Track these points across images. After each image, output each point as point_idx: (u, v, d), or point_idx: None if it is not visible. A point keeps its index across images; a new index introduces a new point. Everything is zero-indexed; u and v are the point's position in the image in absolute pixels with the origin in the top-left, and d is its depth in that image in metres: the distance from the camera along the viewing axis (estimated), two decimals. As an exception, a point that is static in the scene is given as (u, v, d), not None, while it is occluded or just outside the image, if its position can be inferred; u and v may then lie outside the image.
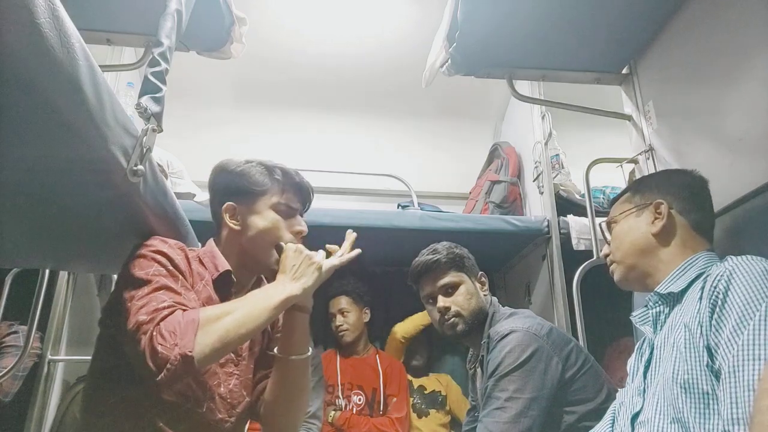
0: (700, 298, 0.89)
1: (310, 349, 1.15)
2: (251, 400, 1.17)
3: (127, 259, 1.02)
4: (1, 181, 0.89)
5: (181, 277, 1.01)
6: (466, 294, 1.53)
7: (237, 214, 1.15)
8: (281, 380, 1.14)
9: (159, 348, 0.84)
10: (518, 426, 1.25)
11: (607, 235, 1.22)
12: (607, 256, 1.19)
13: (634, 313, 1.12)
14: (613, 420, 1.10)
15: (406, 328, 2.57)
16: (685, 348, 0.88)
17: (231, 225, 1.15)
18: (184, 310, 0.91)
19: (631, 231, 1.12)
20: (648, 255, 1.08)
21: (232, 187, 1.17)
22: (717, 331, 0.83)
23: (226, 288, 1.12)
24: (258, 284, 1.26)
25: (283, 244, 1.11)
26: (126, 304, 0.92)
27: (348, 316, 2.42)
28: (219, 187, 1.19)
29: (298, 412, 1.17)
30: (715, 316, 0.84)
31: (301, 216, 1.22)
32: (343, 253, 1.16)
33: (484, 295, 1.57)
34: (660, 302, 1.03)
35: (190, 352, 0.84)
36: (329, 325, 2.47)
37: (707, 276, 0.92)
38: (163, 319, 0.87)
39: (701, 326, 0.86)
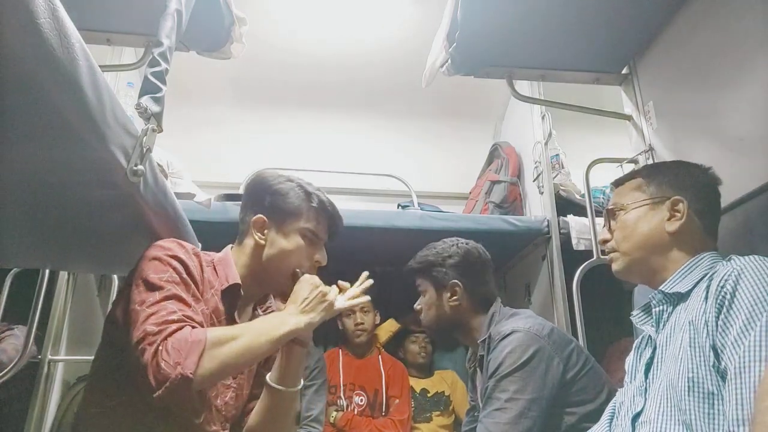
0: (706, 297, 0.88)
1: (302, 382, 1.16)
2: (239, 415, 1.17)
3: (141, 259, 1.01)
4: (1, 180, 0.89)
5: (193, 286, 1.01)
6: (427, 304, 1.58)
7: (265, 229, 1.15)
8: (269, 408, 1.14)
9: (162, 364, 0.84)
10: (518, 427, 1.25)
11: (608, 220, 1.14)
12: (605, 242, 1.13)
13: (633, 313, 1.10)
14: (611, 420, 1.08)
15: (380, 333, 2.60)
16: (690, 347, 0.86)
17: (256, 238, 1.14)
18: (193, 327, 0.91)
19: (643, 224, 1.06)
20: (658, 252, 1.04)
21: (267, 202, 1.17)
22: (723, 331, 0.82)
23: (232, 300, 1.11)
24: (264, 300, 1.26)
25: (299, 271, 1.11)
26: (135, 307, 0.92)
27: (368, 315, 2.43)
28: (254, 198, 1.19)
29: None
30: (722, 316, 0.83)
31: (325, 247, 1.21)
32: (354, 295, 1.15)
33: (452, 305, 1.55)
34: (664, 301, 1.01)
35: (191, 374, 0.84)
36: (332, 324, 2.47)
37: (713, 275, 0.91)
38: (171, 333, 0.87)
39: (707, 325, 0.84)
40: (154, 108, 0.99)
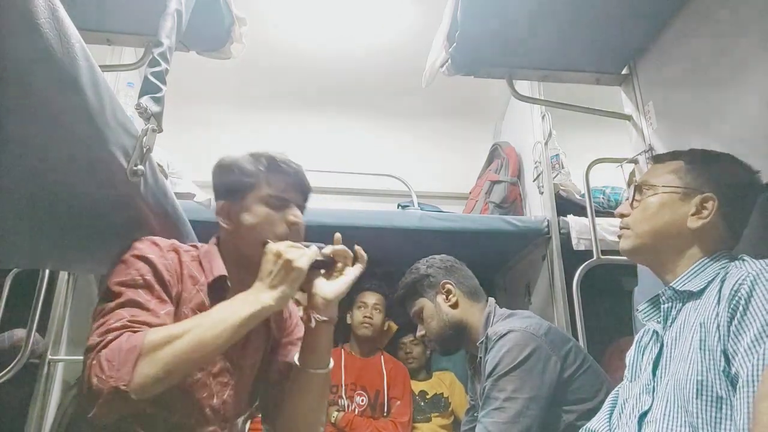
0: (718, 300, 0.86)
1: (331, 361, 1.07)
2: (250, 410, 1.13)
3: (113, 261, 0.97)
4: (1, 180, 0.89)
5: (158, 287, 0.93)
6: (428, 319, 1.59)
7: (230, 213, 1.07)
8: (300, 392, 1.06)
9: (94, 381, 0.78)
10: (517, 426, 1.25)
11: (633, 195, 1.08)
12: (623, 216, 1.08)
13: (639, 307, 1.07)
14: (611, 414, 1.07)
15: None
16: (701, 349, 0.85)
17: (224, 225, 1.08)
18: (135, 332, 0.83)
19: (665, 211, 1.01)
20: (671, 244, 1.00)
21: (224, 185, 1.11)
22: (736, 337, 0.80)
23: (221, 294, 1.02)
24: None
25: (268, 242, 0.99)
26: (96, 317, 0.87)
27: (380, 314, 2.44)
28: (216, 187, 1.13)
29: (318, 423, 1.11)
30: (735, 322, 0.81)
31: (302, 207, 1.11)
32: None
33: (450, 304, 1.57)
34: (674, 297, 0.99)
35: (125, 385, 0.77)
36: (337, 321, 2.46)
37: (725, 276, 0.89)
38: (107, 344, 0.81)
39: (719, 329, 0.83)
40: (154, 108, 0.99)
